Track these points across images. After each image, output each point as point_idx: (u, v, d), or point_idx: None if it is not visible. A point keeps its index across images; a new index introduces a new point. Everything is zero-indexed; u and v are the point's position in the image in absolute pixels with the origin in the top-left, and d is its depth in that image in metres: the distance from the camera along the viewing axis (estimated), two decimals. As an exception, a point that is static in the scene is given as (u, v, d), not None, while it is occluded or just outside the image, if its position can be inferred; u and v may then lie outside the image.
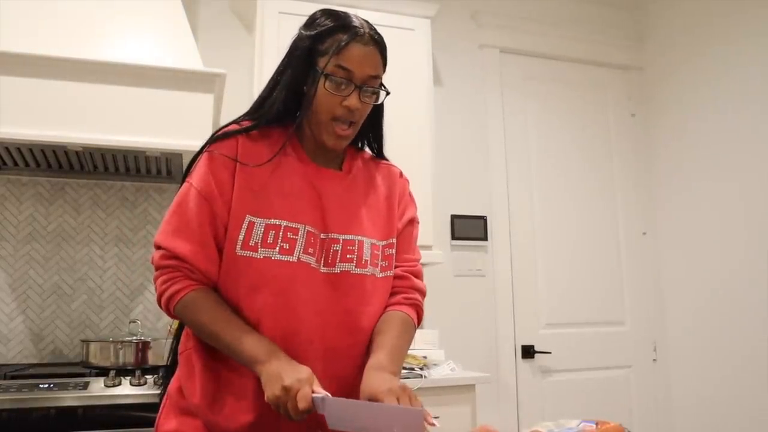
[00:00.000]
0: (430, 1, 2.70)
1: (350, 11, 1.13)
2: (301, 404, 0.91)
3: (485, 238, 2.98)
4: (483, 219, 2.99)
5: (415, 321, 1.19)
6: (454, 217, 2.94)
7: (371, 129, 1.24)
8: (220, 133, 1.12)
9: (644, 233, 3.28)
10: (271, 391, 0.93)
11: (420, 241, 2.51)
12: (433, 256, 2.52)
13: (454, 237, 2.93)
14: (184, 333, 1.18)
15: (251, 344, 1.00)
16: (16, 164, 2.26)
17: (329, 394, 0.94)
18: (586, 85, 3.33)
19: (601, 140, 3.30)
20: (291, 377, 0.93)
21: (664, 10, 3.29)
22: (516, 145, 3.13)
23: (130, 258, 2.45)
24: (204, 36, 2.64)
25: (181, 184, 1.13)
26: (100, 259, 2.42)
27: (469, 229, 2.95)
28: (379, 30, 1.17)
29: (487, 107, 3.10)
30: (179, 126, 2.00)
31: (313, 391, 0.94)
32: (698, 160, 3.02)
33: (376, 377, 1.00)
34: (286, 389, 0.92)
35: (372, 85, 1.11)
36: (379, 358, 1.05)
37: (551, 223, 3.12)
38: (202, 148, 1.12)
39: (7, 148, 2.05)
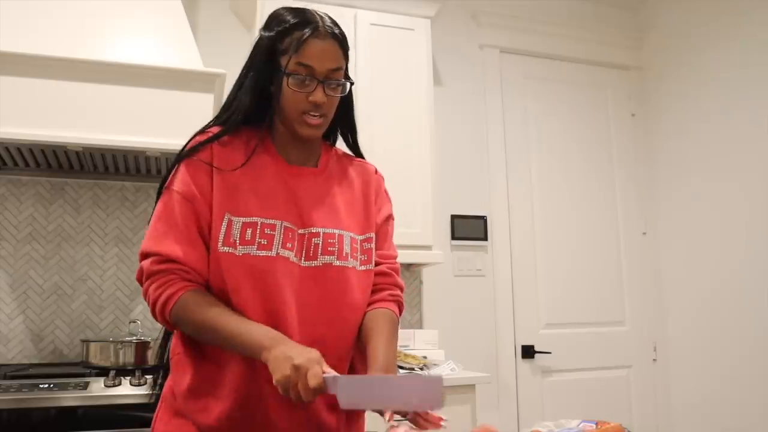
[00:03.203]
0: (430, 1, 2.70)
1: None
2: (312, 382, 0.90)
3: (485, 238, 2.98)
4: (483, 219, 2.99)
5: (398, 316, 1.22)
6: (454, 217, 2.94)
7: (344, 120, 1.25)
8: (191, 146, 1.12)
9: (644, 233, 3.28)
10: (280, 372, 0.92)
11: (420, 241, 2.54)
12: (433, 256, 2.52)
13: (454, 237, 2.93)
14: (174, 337, 1.18)
15: (255, 333, 1.00)
16: (16, 164, 2.26)
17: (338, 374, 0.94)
18: (586, 85, 3.33)
19: (601, 140, 3.31)
20: (301, 357, 0.93)
21: (664, 10, 3.30)
22: (516, 145, 3.13)
23: (130, 258, 2.45)
24: (204, 36, 2.64)
25: (158, 195, 1.13)
26: (100, 259, 2.42)
27: (469, 229, 2.95)
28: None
29: (487, 107, 3.10)
30: (179, 126, 1.99)
31: (323, 371, 0.93)
32: (698, 160, 3.02)
33: None
34: (297, 368, 0.91)
35: (335, 77, 1.13)
36: (379, 367, 1.07)
37: (551, 223, 3.12)
38: (176, 161, 1.12)
39: (7, 148, 2.05)
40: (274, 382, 0.94)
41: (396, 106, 2.54)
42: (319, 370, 0.92)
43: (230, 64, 2.35)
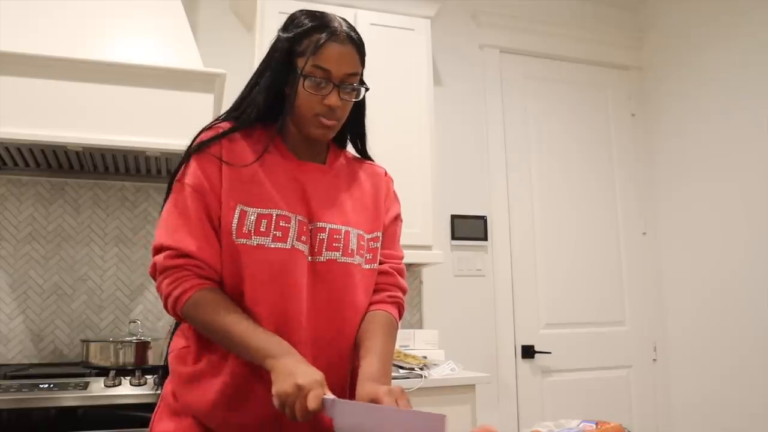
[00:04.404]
0: (430, 1, 2.70)
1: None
2: (312, 404, 0.90)
3: (485, 238, 2.98)
4: (483, 219, 2.99)
5: (397, 319, 1.21)
6: (454, 217, 2.94)
7: (354, 125, 1.26)
8: (201, 140, 1.12)
9: (644, 233, 3.28)
10: (281, 386, 0.92)
11: (420, 241, 2.54)
12: (433, 256, 2.52)
13: (454, 237, 2.93)
14: (175, 334, 1.18)
15: (263, 339, 1.01)
16: (16, 164, 2.26)
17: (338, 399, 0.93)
18: (586, 85, 3.33)
19: (601, 140, 3.30)
20: (305, 377, 0.93)
21: (664, 10, 3.30)
22: (516, 145, 3.13)
23: (130, 258, 2.45)
24: (204, 36, 2.64)
25: (168, 189, 1.13)
26: (100, 259, 2.42)
27: (469, 229, 2.95)
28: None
29: (487, 107, 3.10)
30: (179, 126, 2.00)
31: (323, 394, 0.93)
32: (698, 160, 3.02)
33: (372, 385, 1.01)
34: (299, 387, 0.91)
35: (351, 82, 1.13)
36: (371, 369, 1.06)
37: (551, 223, 3.12)
38: (186, 156, 1.12)
39: (7, 148, 2.05)
40: (272, 391, 0.93)
41: (396, 106, 2.54)
42: (320, 392, 0.92)
43: (230, 64, 2.37)
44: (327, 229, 1.13)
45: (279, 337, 1.03)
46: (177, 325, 1.21)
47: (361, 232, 1.18)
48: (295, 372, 0.93)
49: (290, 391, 0.91)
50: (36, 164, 2.27)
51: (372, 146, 1.31)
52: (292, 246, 1.08)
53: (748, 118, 2.78)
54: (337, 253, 1.13)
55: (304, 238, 1.10)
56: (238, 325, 1.02)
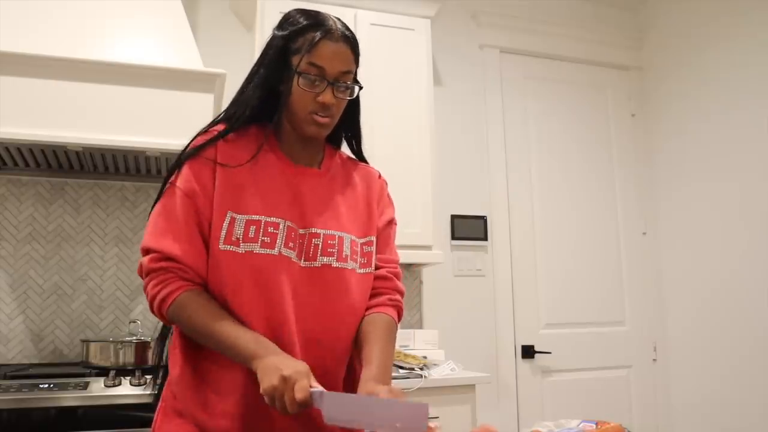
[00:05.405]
0: (430, 1, 2.70)
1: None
2: (299, 395, 0.90)
3: (485, 238, 2.98)
4: (483, 219, 2.99)
5: (397, 321, 1.22)
6: (454, 217, 2.94)
7: (349, 125, 1.26)
8: (195, 145, 1.12)
9: (644, 233, 3.28)
10: (268, 381, 0.93)
11: (420, 241, 2.54)
12: (433, 256, 2.52)
13: (454, 237, 2.93)
14: (172, 335, 1.18)
15: (247, 341, 1.01)
16: (16, 164, 2.26)
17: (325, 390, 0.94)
18: (586, 85, 3.33)
19: (601, 140, 3.31)
20: (290, 369, 0.93)
21: (664, 10, 3.30)
22: (516, 145, 3.13)
23: (130, 258, 2.45)
24: (204, 36, 2.64)
25: (160, 191, 1.13)
26: (100, 259, 2.42)
27: (469, 229, 2.95)
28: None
29: (487, 107, 3.10)
30: (179, 126, 1.99)
31: (310, 386, 0.93)
32: (698, 160, 3.02)
33: (372, 384, 1.02)
34: (285, 379, 0.92)
35: (345, 80, 1.14)
36: (372, 372, 1.06)
37: (551, 223, 3.12)
38: (178, 160, 1.12)
39: (7, 148, 2.05)
40: (261, 390, 0.93)
41: (396, 106, 2.54)
42: (306, 383, 0.92)
43: (230, 64, 2.37)
44: (321, 234, 1.13)
45: (264, 338, 1.03)
46: (164, 328, 1.21)
47: (354, 238, 1.18)
48: (279, 366, 0.94)
49: (277, 384, 0.92)
50: (36, 164, 2.27)
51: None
52: (279, 252, 1.08)
53: (748, 118, 2.78)
54: (331, 258, 1.13)
55: (291, 244, 1.10)
56: (224, 327, 1.02)
